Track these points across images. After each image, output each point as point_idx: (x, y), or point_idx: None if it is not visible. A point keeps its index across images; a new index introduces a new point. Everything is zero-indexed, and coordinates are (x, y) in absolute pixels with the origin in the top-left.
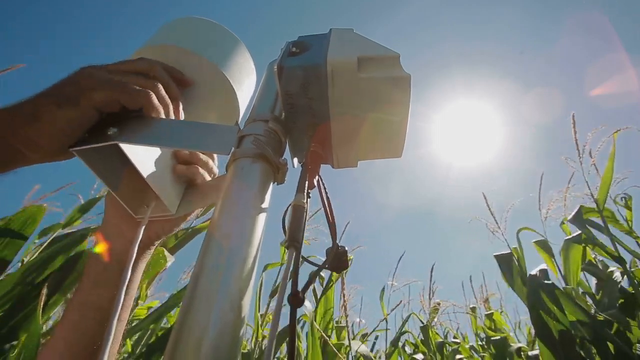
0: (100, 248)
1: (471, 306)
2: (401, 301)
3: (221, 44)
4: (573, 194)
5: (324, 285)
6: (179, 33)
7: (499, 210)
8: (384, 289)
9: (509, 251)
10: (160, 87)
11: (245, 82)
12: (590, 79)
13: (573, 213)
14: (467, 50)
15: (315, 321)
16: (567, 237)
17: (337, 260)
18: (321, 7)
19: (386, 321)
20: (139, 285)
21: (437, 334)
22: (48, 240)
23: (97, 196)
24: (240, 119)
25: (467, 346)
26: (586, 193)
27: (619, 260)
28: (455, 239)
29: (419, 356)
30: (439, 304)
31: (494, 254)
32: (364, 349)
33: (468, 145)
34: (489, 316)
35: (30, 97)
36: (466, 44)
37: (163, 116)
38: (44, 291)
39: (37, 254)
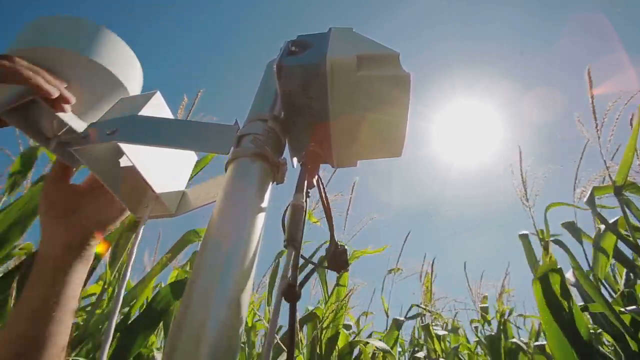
0: (100, 248)
1: (481, 297)
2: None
3: (81, 33)
4: (589, 172)
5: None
6: (39, 33)
7: (498, 211)
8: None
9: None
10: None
11: (121, 61)
12: (591, 79)
13: (587, 195)
14: (467, 50)
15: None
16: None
17: (337, 259)
18: (321, 7)
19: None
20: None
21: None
22: None
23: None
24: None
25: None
26: (601, 175)
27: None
28: (455, 238)
29: (421, 354)
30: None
31: (519, 233)
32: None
33: (468, 145)
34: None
35: None
36: (467, 43)
37: (55, 96)
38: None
39: None
